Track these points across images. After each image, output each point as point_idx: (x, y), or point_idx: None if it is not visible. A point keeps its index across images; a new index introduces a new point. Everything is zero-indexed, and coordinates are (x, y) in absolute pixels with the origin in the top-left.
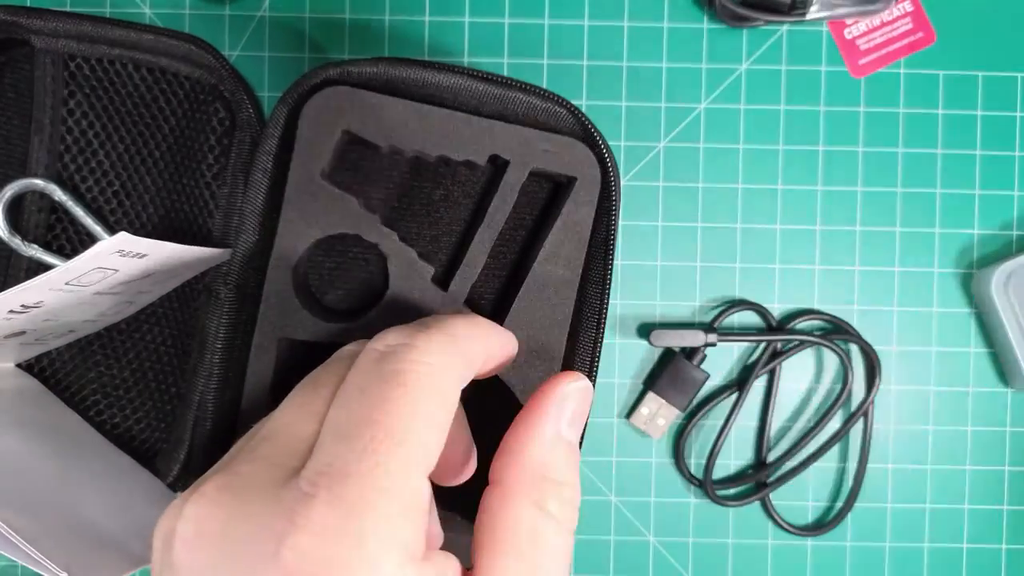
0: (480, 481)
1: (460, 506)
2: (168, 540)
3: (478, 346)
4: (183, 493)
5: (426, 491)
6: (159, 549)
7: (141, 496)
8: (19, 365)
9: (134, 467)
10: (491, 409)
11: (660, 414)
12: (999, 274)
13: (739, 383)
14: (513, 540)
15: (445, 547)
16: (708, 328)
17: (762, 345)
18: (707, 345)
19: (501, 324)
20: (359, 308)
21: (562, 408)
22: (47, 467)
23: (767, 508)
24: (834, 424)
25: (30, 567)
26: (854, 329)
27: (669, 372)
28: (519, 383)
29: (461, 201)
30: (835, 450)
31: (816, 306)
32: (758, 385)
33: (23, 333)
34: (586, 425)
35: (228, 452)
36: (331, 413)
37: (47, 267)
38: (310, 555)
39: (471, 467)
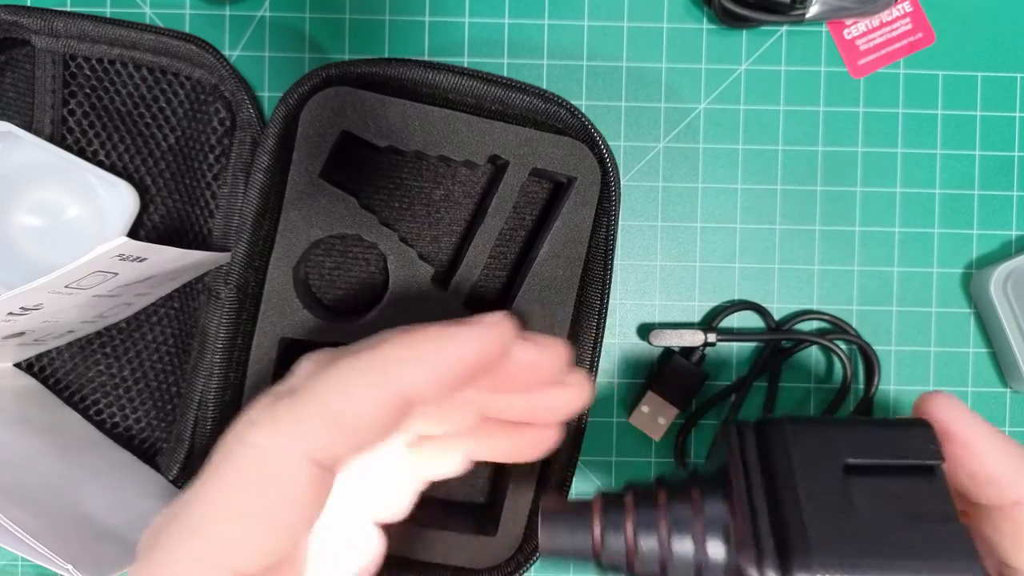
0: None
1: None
2: None
3: (372, 408)
4: None
5: None
6: None
7: (143, 491)
8: (17, 365)
9: (135, 463)
10: None
11: (660, 414)
12: (998, 274)
13: (739, 383)
14: None
15: None
16: (708, 328)
17: (762, 345)
18: (707, 345)
19: None
20: (359, 308)
21: None
22: (49, 464)
23: None
24: None
25: (36, 562)
26: (853, 329)
27: (669, 372)
28: None
29: (461, 201)
30: None
31: (816, 306)
32: (758, 385)
33: (22, 334)
34: (586, 425)
35: None
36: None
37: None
38: None
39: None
